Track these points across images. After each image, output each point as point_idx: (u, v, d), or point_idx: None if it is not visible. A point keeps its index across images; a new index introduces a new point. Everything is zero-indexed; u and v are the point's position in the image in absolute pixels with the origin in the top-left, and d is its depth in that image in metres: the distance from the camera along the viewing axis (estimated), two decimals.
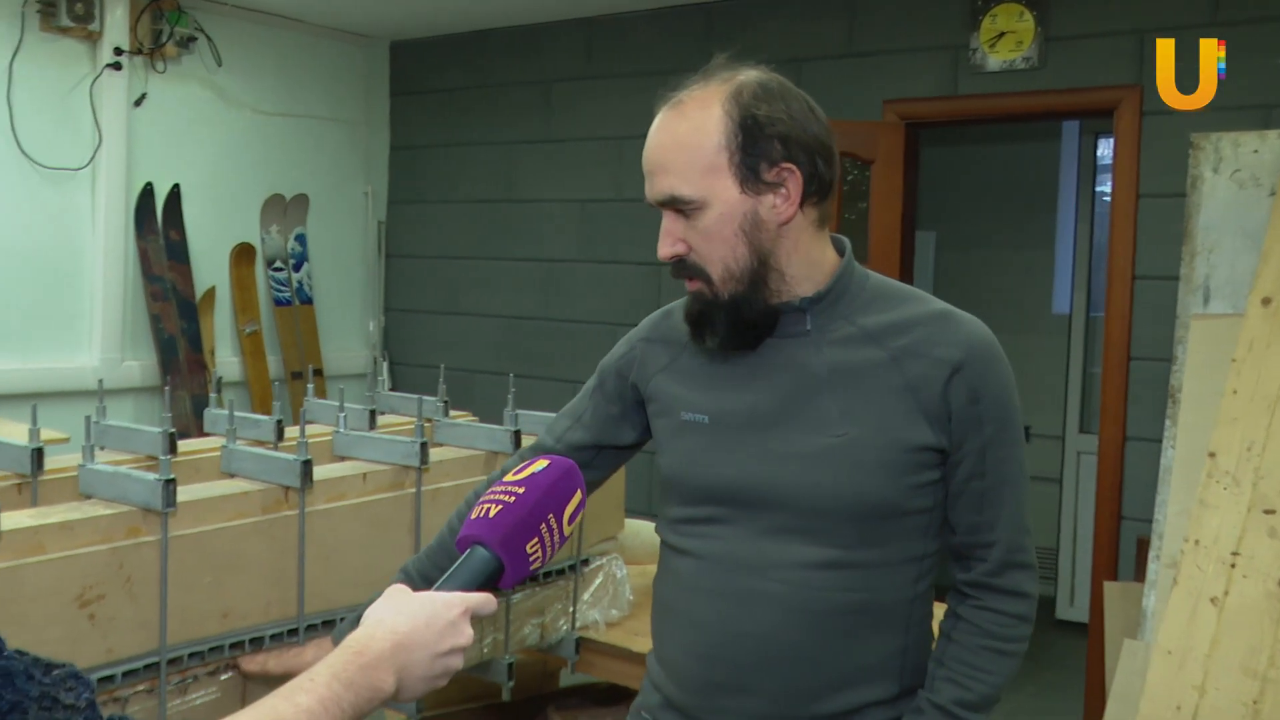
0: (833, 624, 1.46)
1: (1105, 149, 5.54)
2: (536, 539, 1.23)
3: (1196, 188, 3.49)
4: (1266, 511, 2.87)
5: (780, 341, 1.49)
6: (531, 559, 1.23)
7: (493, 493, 1.25)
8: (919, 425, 1.44)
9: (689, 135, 1.44)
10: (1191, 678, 2.81)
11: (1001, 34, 4.14)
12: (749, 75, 1.47)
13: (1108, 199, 5.11)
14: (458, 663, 1.11)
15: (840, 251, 1.54)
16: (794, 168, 1.44)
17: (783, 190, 1.45)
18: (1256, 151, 3.38)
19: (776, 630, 1.46)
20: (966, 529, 1.50)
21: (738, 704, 1.49)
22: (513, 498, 1.23)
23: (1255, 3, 3.72)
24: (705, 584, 1.51)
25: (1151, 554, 3.34)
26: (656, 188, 1.47)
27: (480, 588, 1.19)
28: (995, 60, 4.15)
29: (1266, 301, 3.11)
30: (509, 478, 1.27)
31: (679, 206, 1.45)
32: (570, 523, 1.27)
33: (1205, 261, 3.46)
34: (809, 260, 1.49)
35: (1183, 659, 2.84)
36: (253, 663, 1.70)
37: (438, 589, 1.16)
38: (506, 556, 1.20)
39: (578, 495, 1.28)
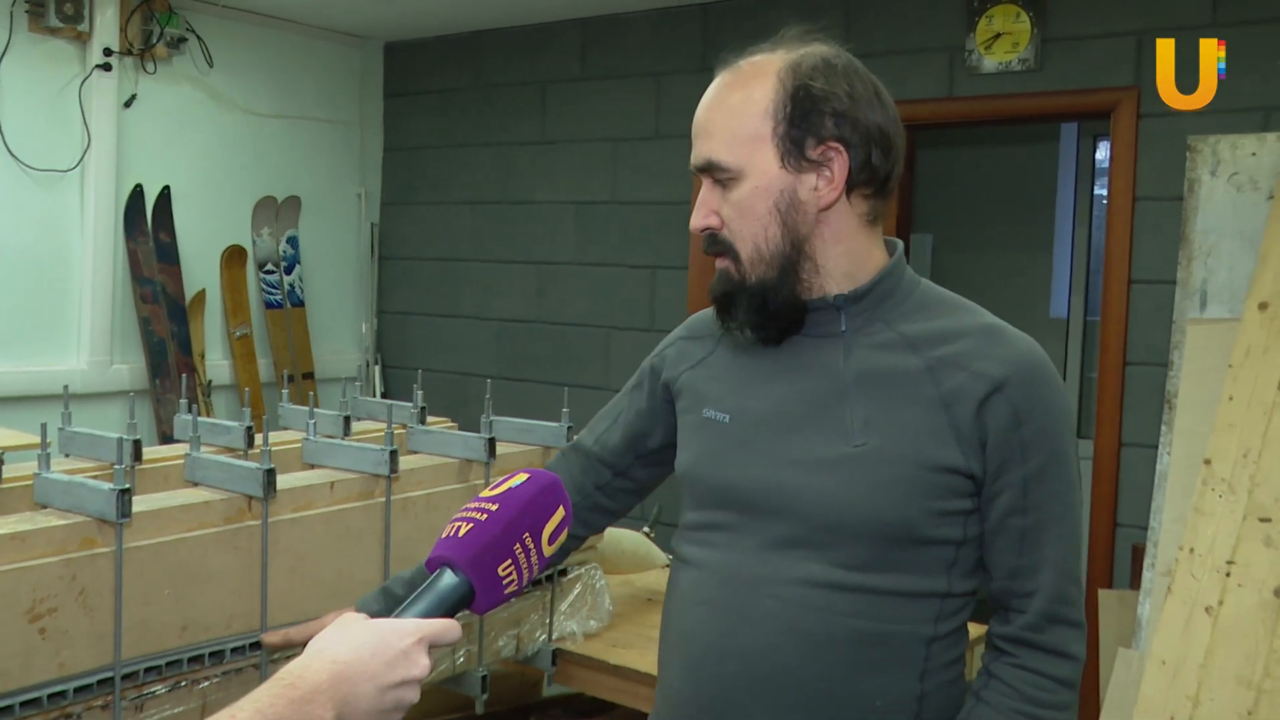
0: (832, 652, 1.32)
1: (1104, 151, 5.49)
2: (510, 560, 1.13)
3: (1194, 191, 3.45)
4: (1262, 520, 2.82)
5: (811, 340, 1.40)
6: (506, 582, 1.14)
7: (466, 510, 1.16)
8: (947, 444, 1.31)
9: (738, 101, 1.36)
10: (1186, 688, 2.76)
11: (998, 35, 4.09)
12: (816, 49, 1.38)
13: (1106, 202, 5.07)
14: (412, 695, 1.03)
15: (892, 254, 1.43)
16: (841, 148, 1.34)
17: (826, 171, 1.34)
18: (1255, 155, 3.33)
19: (767, 651, 1.33)
20: (1005, 573, 1.35)
21: None
22: (485, 515, 1.14)
23: (1255, 4, 3.67)
24: (700, 597, 1.40)
25: (1146, 562, 3.30)
26: (698, 152, 1.38)
27: (450, 613, 1.10)
28: (991, 62, 4.10)
29: (1264, 306, 3.06)
30: (485, 493, 1.19)
31: (716, 175, 1.37)
32: (551, 543, 1.18)
33: (1203, 266, 3.41)
34: (852, 256, 1.38)
35: (1176, 669, 2.79)
36: (274, 635, 1.63)
37: (399, 614, 1.08)
38: (477, 579, 1.12)
39: (560, 512, 1.18)
